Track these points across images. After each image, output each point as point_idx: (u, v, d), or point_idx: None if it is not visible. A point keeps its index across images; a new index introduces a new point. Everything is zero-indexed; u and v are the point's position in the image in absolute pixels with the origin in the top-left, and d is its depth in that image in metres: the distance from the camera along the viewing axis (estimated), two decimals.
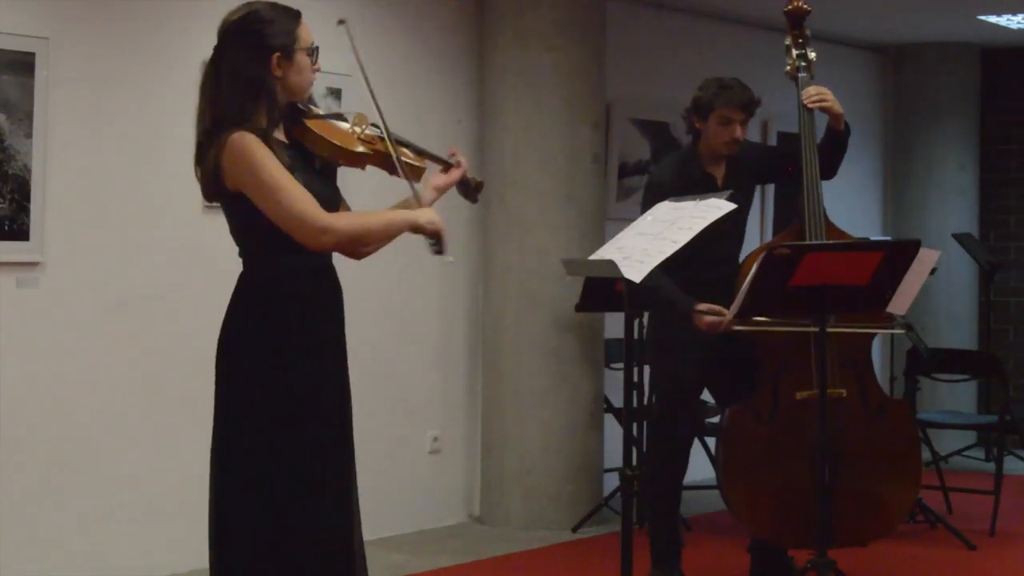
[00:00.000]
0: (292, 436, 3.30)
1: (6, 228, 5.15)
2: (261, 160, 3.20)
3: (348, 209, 3.51)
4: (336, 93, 6.11)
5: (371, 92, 3.44)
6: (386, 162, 3.42)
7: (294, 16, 3.36)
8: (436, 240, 3.38)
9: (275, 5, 3.36)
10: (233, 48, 3.29)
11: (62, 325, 5.35)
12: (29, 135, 5.19)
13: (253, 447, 3.30)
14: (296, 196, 3.22)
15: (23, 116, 5.17)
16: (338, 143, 3.34)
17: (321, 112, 3.45)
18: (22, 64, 5.16)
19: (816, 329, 4.59)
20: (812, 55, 5.23)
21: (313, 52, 3.36)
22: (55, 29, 5.27)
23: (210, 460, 3.38)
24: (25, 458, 5.24)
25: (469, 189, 3.64)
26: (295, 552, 3.30)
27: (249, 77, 3.26)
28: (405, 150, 3.48)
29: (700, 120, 5.13)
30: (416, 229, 3.37)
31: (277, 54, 3.29)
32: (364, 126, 3.42)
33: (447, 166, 3.58)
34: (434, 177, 3.58)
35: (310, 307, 3.36)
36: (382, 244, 3.54)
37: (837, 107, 5.10)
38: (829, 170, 5.23)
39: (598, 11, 6.85)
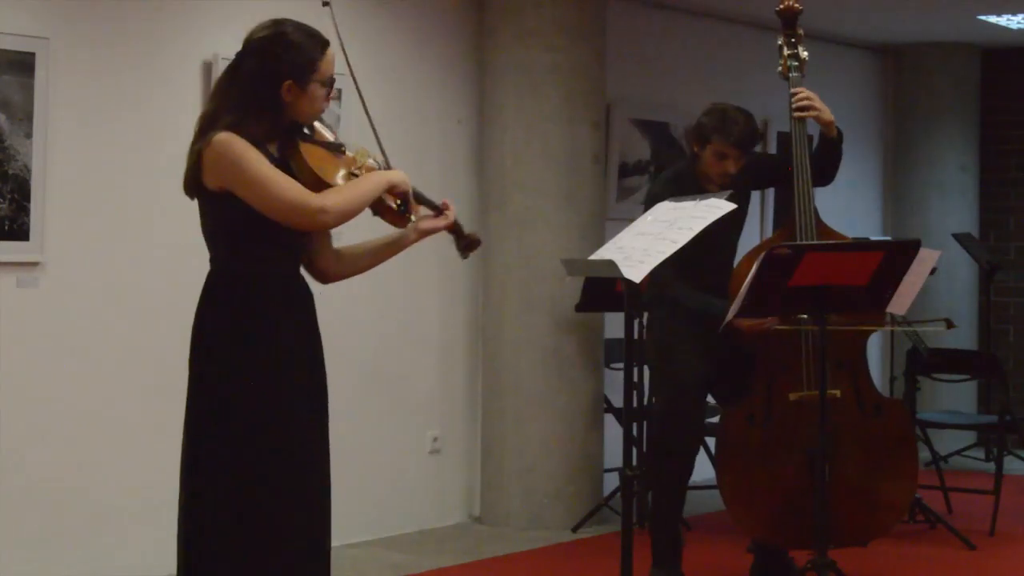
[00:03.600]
0: (257, 438, 3.30)
1: (6, 228, 5.15)
2: (245, 154, 3.23)
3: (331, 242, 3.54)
4: (336, 93, 6.09)
5: (353, 79, 3.48)
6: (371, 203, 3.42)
7: (320, 44, 3.35)
8: (403, 202, 3.41)
9: (304, 29, 3.35)
10: (251, 63, 3.30)
11: (62, 325, 5.35)
12: (29, 135, 5.19)
13: (220, 449, 3.32)
14: (285, 185, 3.24)
15: (23, 116, 5.17)
16: (318, 173, 3.33)
17: (328, 137, 3.43)
18: (22, 64, 5.16)
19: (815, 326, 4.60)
20: (804, 54, 5.23)
21: (329, 84, 3.36)
22: (55, 29, 5.27)
23: (181, 462, 3.41)
24: (25, 458, 5.24)
25: (461, 242, 3.58)
26: (264, 553, 3.30)
27: (257, 96, 3.29)
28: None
29: (698, 146, 5.14)
30: (392, 188, 3.39)
31: (290, 82, 3.29)
32: (362, 162, 3.42)
33: (436, 211, 3.54)
34: (423, 220, 3.53)
35: (275, 314, 3.34)
36: (381, 253, 3.58)
37: (827, 114, 5.09)
38: (824, 177, 5.23)
39: (598, 11, 6.85)
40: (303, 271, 3.52)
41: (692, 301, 4.96)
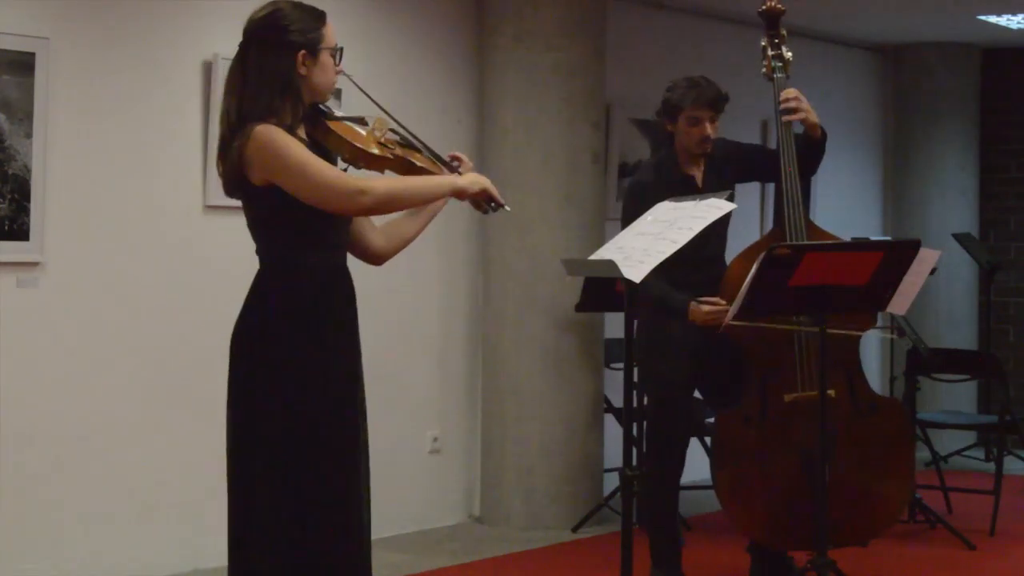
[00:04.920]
0: (309, 435, 3.32)
1: (6, 228, 5.15)
2: (286, 144, 3.25)
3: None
4: (336, 93, 6.08)
5: (394, 120, 3.50)
6: (403, 167, 3.46)
7: (319, 16, 3.40)
8: (488, 200, 3.47)
9: (301, 5, 3.40)
10: (259, 45, 3.33)
11: (62, 325, 5.35)
12: (29, 135, 5.19)
13: (270, 446, 3.32)
14: (325, 168, 3.28)
15: (23, 116, 5.17)
16: (355, 143, 3.37)
17: (341, 115, 3.48)
18: (22, 64, 5.16)
19: (816, 329, 4.60)
20: (788, 55, 5.22)
21: (337, 53, 3.40)
22: (55, 29, 5.27)
23: (227, 459, 3.40)
24: (25, 458, 5.24)
25: (479, 200, 3.64)
26: (311, 549, 3.33)
27: (276, 74, 3.31)
28: (419, 155, 3.51)
29: (670, 122, 5.14)
30: (459, 193, 3.44)
31: (303, 52, 3.33)
32: (383, 131, 3.45)
33: (451, 170, 3.57)
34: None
35: (327, 307, 3.38)
36: (419, 213, 3.59)
37: (813, 116, 5.09)
38: (807, 171, 5.24)
39: (598, 11, 6.85)
40: (356, 259, 3.56)
41: (653, 290, 4.95)
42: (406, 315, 6.65)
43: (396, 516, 6.53)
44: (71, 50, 5.33)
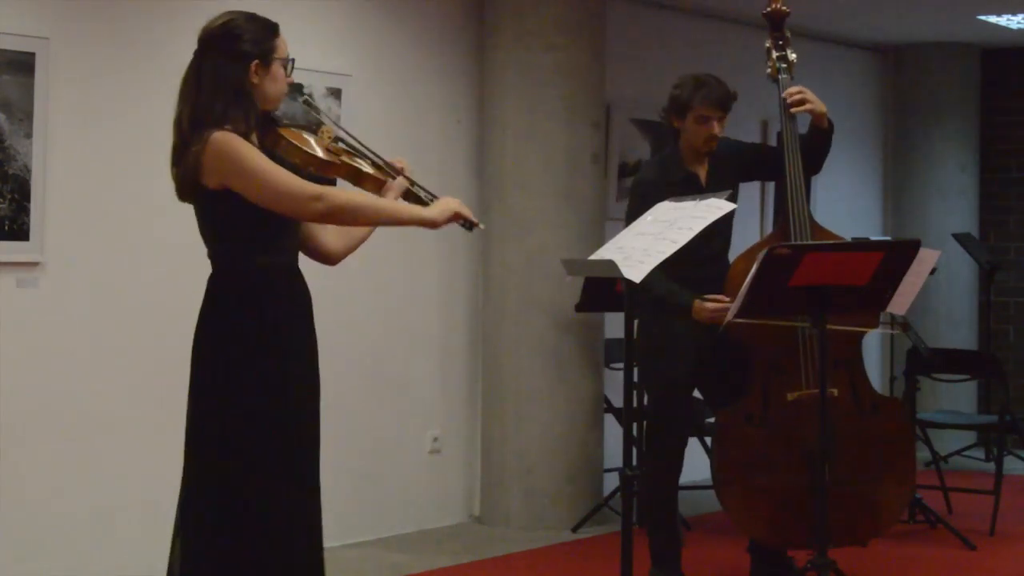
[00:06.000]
0: (268, 434, 3.38)
1: (6, 228, 5.15)
2: (244, 151, 3.32)
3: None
4: (336, 93, 6.10)
5: (341, 129, 3.67)
6: (351, 173, 3.57)
7: (272, 28, 3.50)
8: (462, 222, 3.55)
9: (255, 17, 3.49)
10: (215, 54, 3.43)
11: (62, 325, 5.35)
12: (29, 135, 5.19)
13: (227, 446, 3.40)
14: (282, 174, 3.35)
15: (23, 116, 5.17)
16: (308, 150, 3.48)
17: (289, 123, 3.61)
18: (22, 64, 5.16)
19: (815, 326, 4.60)
20: (793, 57, 5.23)
21: (288, 63, 3.49)
22: (55, 29, 5.27)
23: (183, 458, 3.50)
24: (24, 457, 5.24)
25: (411, 197, 3.68)
26: (261, 552, 3.37)
27: (230, 82, 3.39)
28: (366, 162, 3.62)
29: (678, 119, 5.14)
30: (429, 225, 3.52)
31: (256, 62, 3.42)
32: (330, 138, 3.57)
33: (395, 176, 3.66)
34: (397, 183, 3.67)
35: (284, 307, 3.44)
36: (372, 227, 3.63)
37: (820, 107, 5.10)
38: (814, 166, 5.24)
39: (598, 11, 6.85)
40: (312, 261, 3.62)
41: (659, 288, 4.95)
42: (406, 315, 6.65)
43: (396, 516, 6.53)
44: (71, 50, 5.33)
